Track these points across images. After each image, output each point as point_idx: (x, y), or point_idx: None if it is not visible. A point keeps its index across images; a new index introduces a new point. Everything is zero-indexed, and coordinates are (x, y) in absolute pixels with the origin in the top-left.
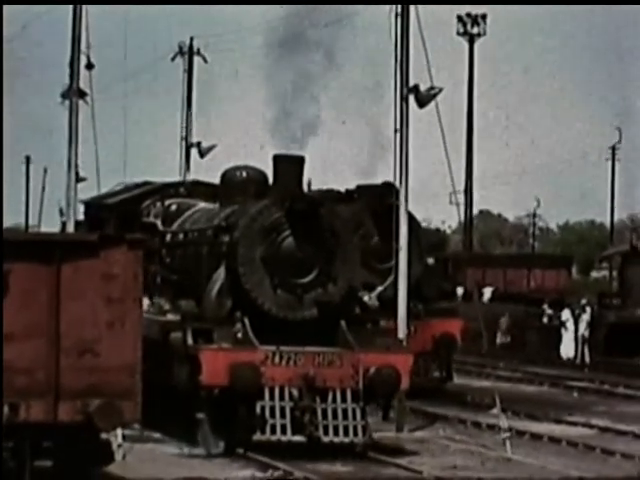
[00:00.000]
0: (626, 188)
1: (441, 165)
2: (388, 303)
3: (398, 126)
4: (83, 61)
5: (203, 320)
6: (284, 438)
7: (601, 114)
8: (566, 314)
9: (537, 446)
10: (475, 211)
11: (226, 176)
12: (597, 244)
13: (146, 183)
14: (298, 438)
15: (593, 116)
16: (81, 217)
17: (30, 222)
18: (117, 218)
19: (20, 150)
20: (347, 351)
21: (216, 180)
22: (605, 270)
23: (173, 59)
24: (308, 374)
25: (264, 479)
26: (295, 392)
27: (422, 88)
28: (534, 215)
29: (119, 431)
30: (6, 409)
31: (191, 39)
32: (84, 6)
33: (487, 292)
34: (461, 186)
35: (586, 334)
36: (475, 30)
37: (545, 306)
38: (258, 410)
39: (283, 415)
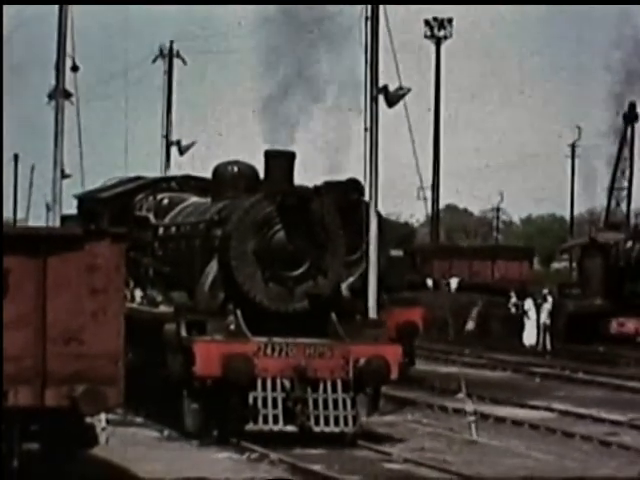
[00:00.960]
0: (585, 184)
1: (410, 162)
2: (358, 294)
3: (368, 125)
4: (69, 63)
5: (196, 312)
6: (276, 428)
7: (562, 114)
8: (528, 303)
9: (501, 429)
10: (442, 205)
11: (218, 171)
12: (557, 237)
13: (138, 178)
14: (290, 428)
15: (555, 115)
16: (67, 211)
17: (18, 216)
18: (110, 212)
19: (8, 148)
20: (337, 342)
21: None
22: (565, 261)
23: (154, 61)
24: (299, 365)
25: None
26: (287, 383)
27: (391, 88)
28: (498, 209)
29: (103, 415)
30: None
31: (171, 42)
32: (70, 10)
33: (453, 282)
34: (429, 182)
35: (547, 322)
36: (441, 33)
37: (512, 295)
38: (251, 400)
39: (275, 405)
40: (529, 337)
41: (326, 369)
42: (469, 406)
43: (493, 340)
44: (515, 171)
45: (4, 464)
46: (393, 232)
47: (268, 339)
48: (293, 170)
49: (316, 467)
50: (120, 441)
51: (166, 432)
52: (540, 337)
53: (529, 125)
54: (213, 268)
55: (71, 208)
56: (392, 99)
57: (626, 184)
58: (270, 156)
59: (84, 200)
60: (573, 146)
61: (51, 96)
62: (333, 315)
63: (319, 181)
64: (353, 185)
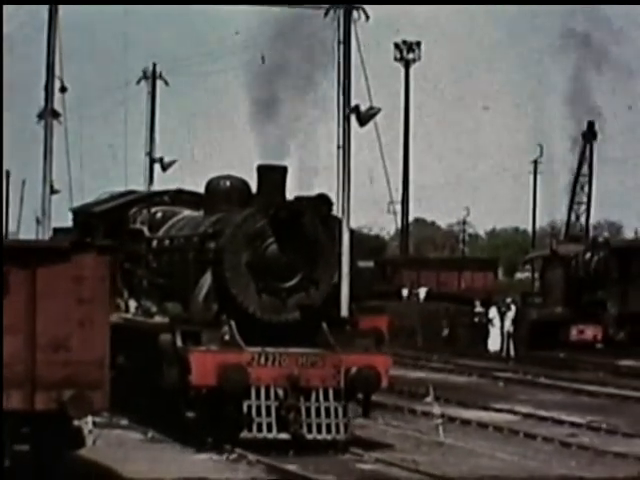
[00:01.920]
0: (547, 198)
1: (380, 178)
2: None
3: (341, 143)
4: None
5: (191, 323)
6: (270, 436)
7: (526, 133)
8: (493, 312)
9: (467, 431)
10: (411, 219)
11: (210, 185)
12: (521, 249)
13: (132, 192)
14: (283, 435)
15: (518, 134)
16: (56, 224)
17: (10, 230)
18: (105, 225)
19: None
20: (329, 352)
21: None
22: (528, 272)
23: (138, 82)
24: (292, 374)
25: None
26: (280, 392)
27: (362, 108)
28: (464, 222)
29: (90, 418)
30: None
31: (154, 65)
32: (58, 35)
33: (422, 292)
34: (398, 197)
35: (511, 330)
36: (410, 56)
37: (477, 304)
38: (245, 409)
39: (269, 414)
40: (494, 344)
41: (318, 378)
42: (437, 409)
43: (460, 347)
44: (481, 187)
45: None
46: (364, 244)
47: (262, 349)
48: (285, 184)
49: (291, 467)
50: (106, 442)
51: (150, 434)
52: (504, 344)
53: (494, 143)
54: (207, 280)
55: (60, 222)
56: (363, 118)
57: (585, 199)
58: (263, 170)
59: (79, 213)
60: (535, 163)
61: (40, 116)
62: (324, 325)
63: (290, 196)
64: (323, 200)
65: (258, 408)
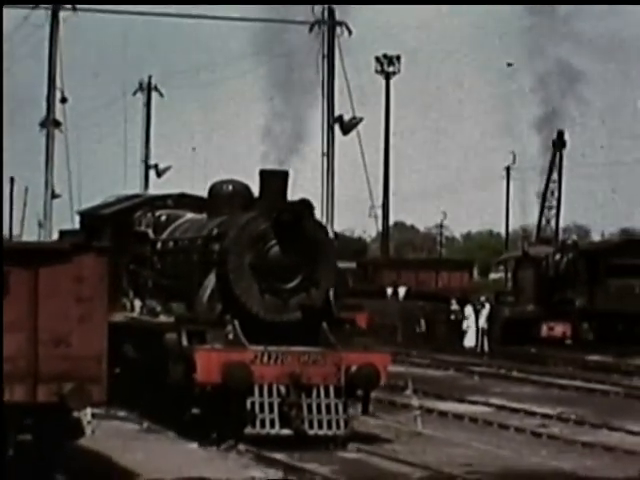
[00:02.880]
0: (519, 203)
1: (362, 183)
2: None
3: (325, 150)
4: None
5: (196, 322)
6: (272, 431)
7: (500, 140)
8: (468, 310)
9: (444, 422)
10: (391, 222)
11: (213, 189)
12: (494, 251)
13: (137, 195)
14: (285, 431)
15: (492, 140)
16: (58, 227)
17: (14, 232)
18: (111, 228)
19: (5, 172)
20: (330, 350)
21: None
22: (501, 272)
23: (134, 94)
24: (294, 372)
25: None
26: (282, 389)
27: (345, 118)
28: (441, 226)
29: (89, 410)
30: None
31: (149, 77)
32: (59, 49)
33: (401, 291)
34: (379, 201)
35: (485, 327)
36: (391, 69)
37: (453, 302)
38: (248, 406)
39: (271, 410)
40: (469, 340)
41: (319, 376)
42: (415, 401)
43: (437, 343)
44: (457, 192)
45: (1, 453)
46: (347, 246)
47: (264, 348)
48: (287, 188)
49: (278, 456)
50: (104, 433)
51: (145, 425)
52: (479, 340)
53: (469, 150)
54: (211, 281)
55: (61, 224)
56: (346, 127)
57: (555, 203)
58: (265, 175)
59: (86, 216)
60: (508, 169)
61: (42, 125)
62: (324, 324)
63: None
64: (304, 205)
65: (261, 405)
